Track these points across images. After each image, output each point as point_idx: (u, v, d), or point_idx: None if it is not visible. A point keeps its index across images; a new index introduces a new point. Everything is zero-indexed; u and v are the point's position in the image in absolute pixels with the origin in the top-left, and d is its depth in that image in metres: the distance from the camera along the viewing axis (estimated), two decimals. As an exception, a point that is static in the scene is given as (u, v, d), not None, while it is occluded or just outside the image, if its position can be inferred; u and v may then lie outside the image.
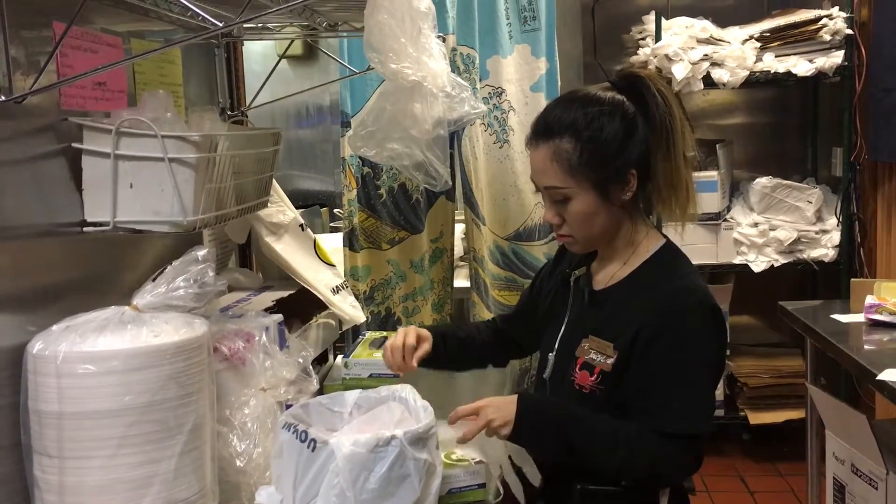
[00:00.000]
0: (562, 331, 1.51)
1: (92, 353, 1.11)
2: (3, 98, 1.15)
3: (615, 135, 1.40)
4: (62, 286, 1.31)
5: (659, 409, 1.37)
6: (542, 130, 1.43)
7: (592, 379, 1.41)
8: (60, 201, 1.31)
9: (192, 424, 1.18)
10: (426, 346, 1.56)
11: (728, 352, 3.60)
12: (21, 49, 1.22)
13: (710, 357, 1.41)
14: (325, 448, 1.15)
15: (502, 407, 1.37)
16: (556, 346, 1.51)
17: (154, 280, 1.24)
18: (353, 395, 1.37)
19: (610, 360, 1.40)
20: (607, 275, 1.49)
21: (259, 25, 2.02)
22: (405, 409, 1.33)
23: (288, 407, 1.41)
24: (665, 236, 1.51)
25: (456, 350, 1.65)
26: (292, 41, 2.14)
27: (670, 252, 1.48)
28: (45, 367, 1.12)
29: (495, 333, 1.73)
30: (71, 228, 1.33)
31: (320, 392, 1.57)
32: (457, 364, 1.73)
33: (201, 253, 1.26)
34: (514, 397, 1.39)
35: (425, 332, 1.59)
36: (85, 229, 1.34)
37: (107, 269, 1.46)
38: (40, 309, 1.23)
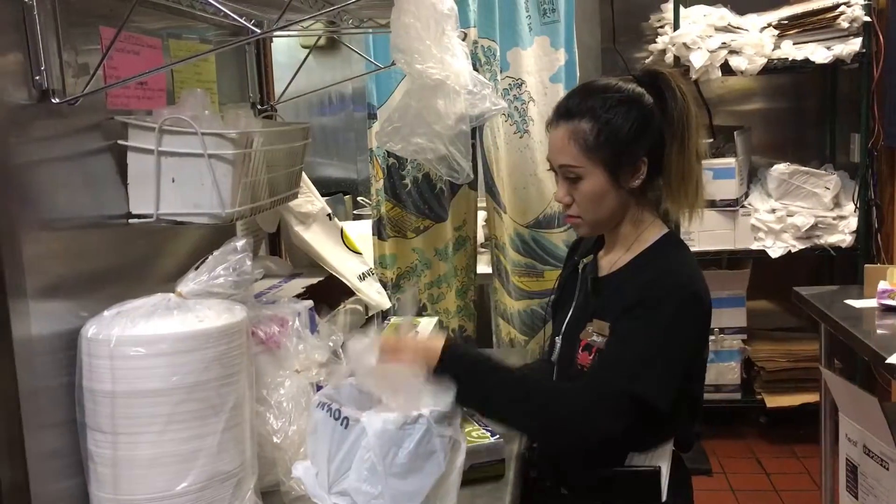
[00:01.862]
0: (569, 316, 1.58)
1: (142, 337, 1.19)
2: (57, 100, 1.23)
3: (631, 121, 1.47)
4: (109, 274, 1.39)
5: (605, 366, 1.42)
6: (564, 112, 1.51)
7: (591, 358, 1.47)
8: (108, 195, 1.39)
9: (233, 403, 1.25)
10: None
11: (746, 336, 3.68)
12: (70, 52, 1.29)
13: (678, 337, 1.42)
14: (357, 425, 1.23)
15: (428, 350, 1.40)
16: (563, 330, 1.58)
17: (196, 269, 1.32)
18: None
19: (604, 340, 1.46)
20: (610, 262, 1.56)
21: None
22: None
23: (319, 388, 1.49)
24: (669, 227, 1.56)
25: None
26: (319, 37, 2.20)
27: (670, 242, 1.54)
28: (99, 349, 1.19)
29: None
30: (117, 220, 1.41)
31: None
32: None
33: (240, 243, 1.34)
34: (440, 344, 1.42)
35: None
36: (130, 221, 1.42)
37: (149, 257, 1.54)
38: (90, 295, 1.31)
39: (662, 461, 1.48)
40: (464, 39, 1.63)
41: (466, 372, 1.39)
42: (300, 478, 1.29)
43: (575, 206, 1.52)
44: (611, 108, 1.47)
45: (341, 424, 1.24)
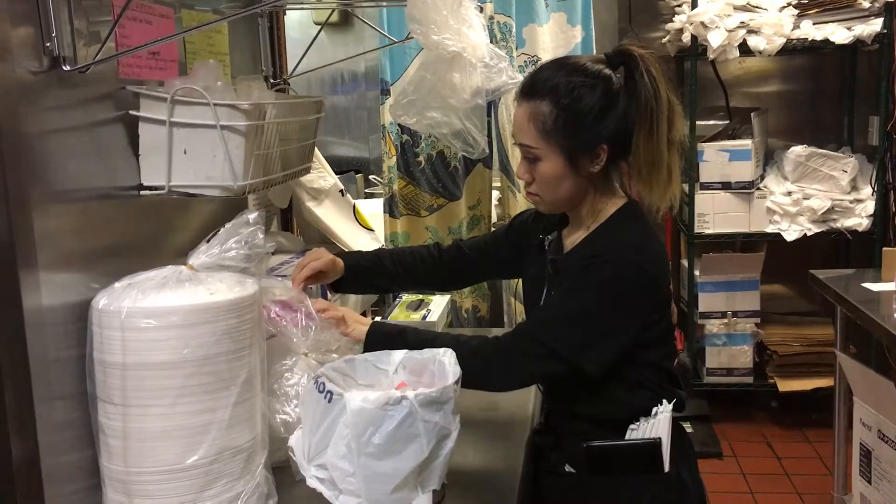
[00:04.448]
0: (543, 294, 1.56)
1: (153, 309, 1.18)
2: (68, 68, 1.21)
3: (592, 107, 1.43)
4: (120, 246, 1.38)
5: (531, 319, 1.52)
6: (528, 90, 1.48)
7: None
8: (119, 166, 1.38)
9: (244, 377, 1.24)
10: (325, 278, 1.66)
11: (759, 320, 3.66)
12: (82, 20, 1.28)
13: (612, 305, 1.43)
14: (340, 401, 1.20)
15: (358, 323, 1.52)
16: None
17: (208, 241, 1.31)
18: (399, 355, 1.40)
19: None
20: (572, 241, 1.54)
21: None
22: (441, 372, 1.36)
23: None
24: (630, 199, 1.52)
25: (379, 281, 1.75)
26: (334, 10, 2.18)
27: (625, 214, 1.51)
28: (110, 321, 1.19)
29: (453, 259, 1.75)
30: (129, 192, 1.40)
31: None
32: (383, 291, 1.97)
33: (252, 216, 1.32)
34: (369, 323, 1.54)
35: (332, 264, 1.65)
36: (142, 193, 1.41)
37: (160, 230, 1.53)
38: (101, 266, 1.30)
39: (662, 432, 1.47)
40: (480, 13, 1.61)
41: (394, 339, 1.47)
42: (292, 446, 1.28)
43: (535, 185, 1.51)
44: (573, 91, 1.43)
45: (325, 398, 1.22)
